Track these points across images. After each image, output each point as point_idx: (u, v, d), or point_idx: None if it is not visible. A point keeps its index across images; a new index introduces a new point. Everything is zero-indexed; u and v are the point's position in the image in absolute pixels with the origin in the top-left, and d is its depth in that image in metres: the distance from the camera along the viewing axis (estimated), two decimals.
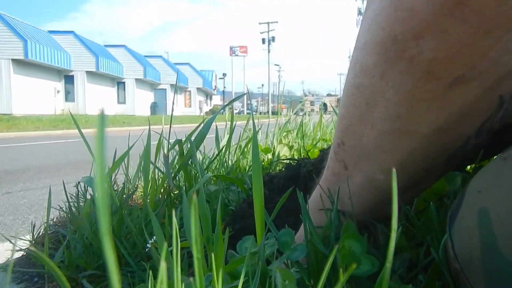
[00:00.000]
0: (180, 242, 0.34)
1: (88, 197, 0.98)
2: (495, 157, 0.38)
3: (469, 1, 0.30)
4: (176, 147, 1.00)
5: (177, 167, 1.01)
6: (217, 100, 42.33)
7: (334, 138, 0.47)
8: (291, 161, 1.03)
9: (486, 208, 0.34)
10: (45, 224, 0.77)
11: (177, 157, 1.07)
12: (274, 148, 1.62)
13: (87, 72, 20.35)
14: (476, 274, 0.33)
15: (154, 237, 0.52)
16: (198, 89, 33.40)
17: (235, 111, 1.87)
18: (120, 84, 24.50)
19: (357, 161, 0.43)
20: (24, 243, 0.85)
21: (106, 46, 25.20)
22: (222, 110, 1.29)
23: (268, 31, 38.42)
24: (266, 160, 1.50)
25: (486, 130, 0.37)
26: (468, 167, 0.55)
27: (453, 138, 0.37)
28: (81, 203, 0.95)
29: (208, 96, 39.03)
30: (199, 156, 1.30)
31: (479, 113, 0.35)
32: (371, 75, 0.38)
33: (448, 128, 0.36)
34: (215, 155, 1.29)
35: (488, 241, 0.32)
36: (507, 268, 0.30)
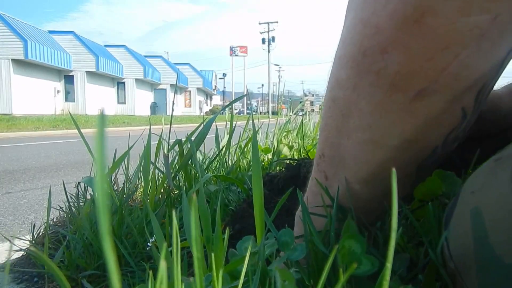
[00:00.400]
0: (180, 242, 0.34)
1: (88, 197, 0.98)
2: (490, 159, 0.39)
3: (425, 19, 0.32)
4: (176, 147, 1.00)
5: (177, 167, 1.01)
6: (217, 100, 42.33)
7: (317, 150, 0.48)
8: (291, 161, 1.03)
9: (479, 207, 0.35)
10: (45, 224, 0.77)
11: (177, 157, 1.07)
12: (274, 148, 1.62)
13: (87, 72, 20.36)
14: (470, 273, 0.33)
15: (154, 236, 0.52)
16: (198, 89, 33.40)
17: (235, 111, 1.87)
18: (120, 84, 24.50)
19: (335, 171, 0.45)
20: (24, 243, 0.85)
21: (106, 46, 25.21)
22: (222, 111, 1.29)
23: (268, 31, 38.43)
24: (266, 160, 1.50)
25: (451, 141, 0.39)
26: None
27: (421, 149, 0.39)
28: (81, 203, 0.95)
29: (208, 96, 39.04)
30: (199, 156, 1.30)
31: (443, 124, 0.37)
32: (345, 88, 0.40)
33: (415, 140, 0.38)
34: (215, 155, 1.29)
35: (480, 240, 0.33)
36: (499, 265, 0.31)
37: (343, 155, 0.43)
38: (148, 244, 0.62)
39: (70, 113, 1.11)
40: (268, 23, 38.27)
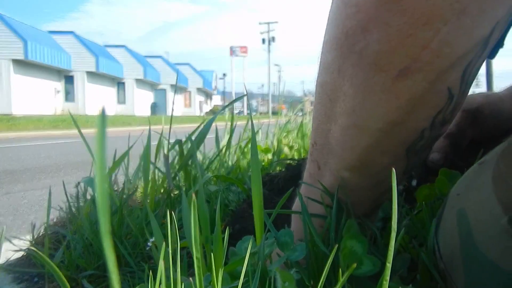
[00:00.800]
0: (180, 242, 0.34)
1: (88, 197, 0.98)
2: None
3: None
4: (176, 147, 1.00)
5: (177, 167, 1.01)
6: (217, 100, 42.33)
7: (309, 139, 0.48)
8: (291, 161, 1.03)
9: (463, 209, 0.36)
10: (45, 224, 0.77)
11: (177, 157, 1.07)
12: (274, 148, 1.62)
13: (87, 72, 20.36)
14: (457, 271, 0.34)
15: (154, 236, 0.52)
16: (198, 89, 33.41)
17: (235, 111, 1.87)
18: (120, 84, 24.51)
19: (326, 160, 0.44)
20: (24, 243, 0.85)
21: (106, 46, 25.22)
22: (222, 111, 1.29)
23: (268, 31, 38.44)
24: (266, 160, 1.50)
25: (439, 123, 0.38)
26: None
27: (408, 131, 0.38)
28: (81, 204, 0.95)
29: (208, 96, 39.04)
30: (199, 156, 1.30)
31: (429, 105, 0.36)
32: (330, 71, 0.39)
33: (400, 122, 0.37)
34: (215, 156, 1.29)
35: (466, 239, 0.34)
36: (483, 261, 0.32)
37: (332, 142, 0.42)
38: (148, 244, 0.62)
39: (70, 113, 1.11)
40: (268, 23, 38.28)
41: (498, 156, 0.37)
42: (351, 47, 0.36)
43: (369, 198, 0.45)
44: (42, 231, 0.88)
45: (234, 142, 1.43)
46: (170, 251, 0.27)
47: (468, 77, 0.35)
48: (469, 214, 0.35)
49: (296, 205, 0.52)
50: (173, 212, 0.38)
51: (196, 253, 0.25)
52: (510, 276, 0.31)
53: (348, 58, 0.36)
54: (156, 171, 0.95)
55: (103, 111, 0.14)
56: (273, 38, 38.65)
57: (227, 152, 1.32)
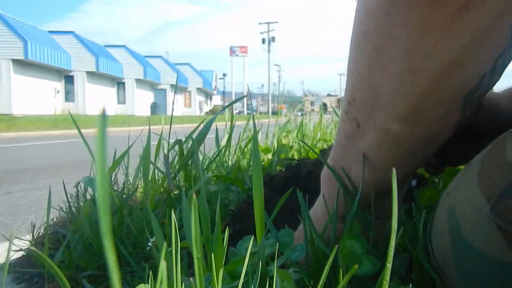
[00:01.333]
0: (180, 242, 0.34)
1: (88, 197, 0.98)
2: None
3: None
4: (176, 147, 1.00)
5: (177, 167, 1.01)
6: (217, 100, 42.32)
7: (344, 98, 0.45)
8: (292, 161, 1.03)
9: (453, 206, 0.37)
10: (45, 224, 0.77)
11: (177, 157, 1.07)
12: (274, 148, 1.62)
13: (87, 72, 20.36)
14: (449, 266, 0.36)
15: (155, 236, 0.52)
16: (198, 89, 33.39)
17: (235, 111, 1.87)
18: (120, 84, 24.50)
19: (369, 114, 0.41)
20: (24, 243, 0.85)
21: (106, 46, 25.21)
22: (222, 111, 1.29)
23: (268, 31, 38.44)
24: (266, 160, 1.50)
25: (500, 67, 0.36)
26: None
27: (467, 75, 0.36)
28: (81, 203, 0.95)
29: (208, 96, 39.03)
30: (199, 156, 1.30)
31: (491, 44, 0.34)
32: (376, 17, 0.37)
33: (460, 63, 0.35)
34: (215, 155, 1.29)
35: (455, 234, 0.35)
36: (471, 252, 0.33)
37: (378, 93, 0.39)
38: (149, 244, 0.62)
39: (70, 113, 1.11)
40: (268, 23, 38.28)
41: (483, 156, 0.37)
42: None
43: (416, 154, 0.43)
44: (42, 231, 0.88)
45: (234, 142, 1.43)
46: (174, 251, 0.27)
47: None
48: (457, 210, 0.36)
49: (325, 173, 0.50)
50: (173, 212, 0.38)
51: (196, 253, 0.25)
52: (494, 262, 0.32)
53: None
54: (156, 171, 0.95)
55: (103, 111, 0.14)
56: (273, 38, 38.65)
57: (227, 152, 1.32)
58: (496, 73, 0.36)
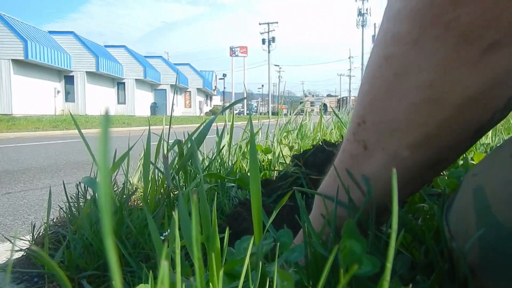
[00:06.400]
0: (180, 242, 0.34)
1: (88, 197, 0.98)
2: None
3: None
4: (176, 147, 1.00)
5: (177, 167, 1.01)
6: (217, 100, 42.31)
7: (353, 119, 0.46)
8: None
9: (480, 185, 0.36)
10: (45, 224, 0.77)
11: (176, 157, 1.07)
12: (274, 148, 1.62)
13: (87, 72, 20.36)
14: (472, 246, 0.35)
15: (167, 231, 0.52)
16: (198, 89, 33.39)
17: (235, 112, 1.87)
18: (120, 84, 24.50)
19: (379, 139, 0.42)
20: (24, 244, 0.85)
21: (106, 46, 25.22)
22: (223, 112, 1.30)
23: (268, 32, 38.44)
24: (266, 160, 1.50)
25: (510, 103, 0.37)
26: None
27: (483, 109, 0.37)
28: (81, 204, 0.95)
29: (208, 96, 39.03)
30: (199, 156, 1.30)
31: (508, 84, 0.36)
32: (403, 43, 0.37)
33: (479, 98, 0.36)
34: (214, 156, 1.29)
35: (483, 213, 0.35)
36: (502, 232, 0.33)
37: (393, 118, 0.40)
38: (161, 237, 0.62)
39: (70, 114, 1.11)
40: (268, 23, 38.29)
41: None
42: (436, 19, 0.35)
43: (420, 178, 0.44)
44: (42, 231, 0.88)
45: (234, 142, 1.43)
46: (178, 251, 0.27)
47: None
48: (487, 189, 0.36)
49: (323, 190, 0.50)
50: (173, 212, 0.38)
51: (197, 253, 0.26)
52: None
53: (430, 31, 0.35)
54: (156, 171, 0.95)
55: (107, 111, 0.14)
56: (273, 39, 38.66)
57: (228, 152, 1.32)
58: (507, 108, 0.38)
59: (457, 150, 0.42)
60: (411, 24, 0.36)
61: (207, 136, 0.94)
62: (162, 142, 1.05)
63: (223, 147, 1.30)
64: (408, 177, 0.42)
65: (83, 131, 0.90)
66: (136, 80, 24.89)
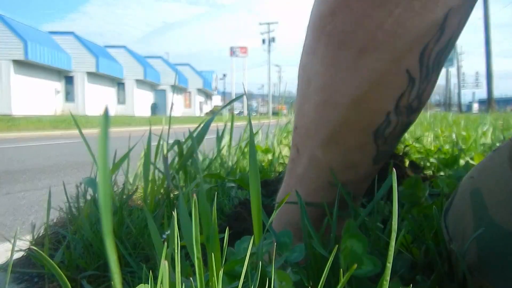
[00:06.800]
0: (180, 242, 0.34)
1: (88, 197, 0.98)
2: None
3: None
4: (176, 147, 1.00)
5: (177, 167, 1.01)
6: (217, 100, 42.31)
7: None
8: None
9: (477, 188, 0.38)
10: (45, 224, 0.77)
11: (176, 157, 1.07)
12: (274, 149, 1.62)
13: (87, 72, 20.36)
14: (469, 246, 0.36)
15: (167, 232, 0.52)
16: (198, 89, 33.40)
17: (235, 112, 1.87)
18: (120, 84, 24.51)
19: (304, 141, 0.46)
20: (24, 244, 0.85)
21: (106, 46, 25.22)
22: (221, 111, 1.30)
23: (268, 32, 38.44)
24: (266, 161, 1.50)
25: (404, 108, 0.40)
26: None
27: (372, 112, 0.40)
28: (81, 204, 0.95)
29: (208, 96, 39.03)
30: (199, 156, 1.30)
31: (390, 86, 0.39)
32: (308, 53, 0.43)
33: (364, 99, 0.40)
34: (214, 156, 1.29)
35: (480, 214, 0.36)
36: (499, 232, 0.34)
37: (307, 121, 0.44)
38: (163, 236, 0.62)
39: (71, 114, 1.11)
40: (268, 23, 38.29)
41: None
42: (323, 29, 0.40)
43: (343, 181, 0.46)
44: (42, 231, 0.88)
45: (234, 142, 1.43)
46: (177, 251, 0.27)
47: (428, 62, 0.38)
48: (483, 191, 0.37)
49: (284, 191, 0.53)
50: (173, 212, 0.38)
51: (197, 253, 0.26)
52: None
53: (320, 39, 0.40)
54: (156, 171, 0.95)
55: (106, 111, 0.14)
56: (273, 39, 38.66)
57: (228, 153, 1.32)
58: (402, 113, 0.40)
59: (366, 155, 0.44)
60: (311, 36, 0.42)
61: (207, 137, 0.94)
62: (162, 142, 1.05)
63: (223, 147, 1.30)
64: (325, 178, 0.45)
65: (83, 131, 0.90)
66: (136, 80, 24.89)
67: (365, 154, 0.44)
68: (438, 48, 0.37)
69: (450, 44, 0.38)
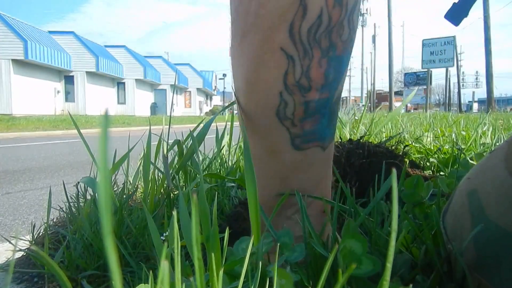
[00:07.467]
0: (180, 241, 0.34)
1: (88, 197, 0.98)
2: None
3: None
4: (176, 147, 1.00)
5: (177, 167, 1.01)
6: (217, 100, 42.28)
7: None
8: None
9: (474, 189, 0.39)
10: (45, 224, 0.77)
11: (176, 157, 1.07)
12: None
13: (87, 72, 20.35)
14: (467, 247, 0.37)
15: (167, 232, 0.52)
16: (198, 89, 33.37)
17: (235, 112, 1.86)
18: (120, 84, 24.49)
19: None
20: (24, 244, 0.85)
21: (106, 46, 25.20)
22: (222, 111, 1.30)
23: None
24: None
25: (295, 87, 0.42)
26: None
27: (265, 92, 0.43)
28: (81, 204, 0.95)
29: (208, 96, 39.00)
30: (199, 156, 1.30)
31: (271, 66, 0.41)
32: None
33: (253, 81, 0.42)
34: (214, 156, 1.29)
35: (477, 214, 0.37)
36: (496, 232, 0.35)
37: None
38: (162, 238, 0.62)
39: (70, 114, 1.11)
40: None
41: (508, 142, 0.40)
42: (231, 20, 0.44)
43: (269, 173, 0.49)
44: (42, 231, 0.88)
45: (234, 142, 1.43)
46: (178, 251, 0.27)
47: (301, 39, 0.39)
48: (480, 192, 0.38)
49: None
50: (173, 212, 0.38)
51: (197, 253, 0.25)
52: None
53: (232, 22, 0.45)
54: (156, 171, 0.95)
55: (107, 111, 0.14)
56: None
57: (228, 152, 1.32)
58: (294, 92, 0.42)
59: (280, 137, 0.46)
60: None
61: (207, 136, 0.94)
62: (162, 142, 1.05)
63: (223, 147, 1.30)
64: (256, 164, 0.47)
65: (83, 131, 0.90)
66: (136, 80, 24.88)
67: (279, 138, 0.46)
68: (307, 24, 0.38)
69: (324, 20, 0.39)
